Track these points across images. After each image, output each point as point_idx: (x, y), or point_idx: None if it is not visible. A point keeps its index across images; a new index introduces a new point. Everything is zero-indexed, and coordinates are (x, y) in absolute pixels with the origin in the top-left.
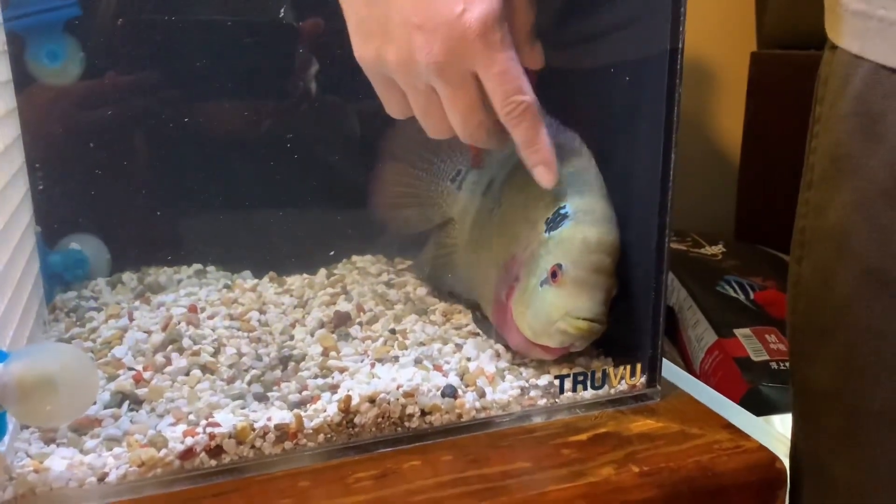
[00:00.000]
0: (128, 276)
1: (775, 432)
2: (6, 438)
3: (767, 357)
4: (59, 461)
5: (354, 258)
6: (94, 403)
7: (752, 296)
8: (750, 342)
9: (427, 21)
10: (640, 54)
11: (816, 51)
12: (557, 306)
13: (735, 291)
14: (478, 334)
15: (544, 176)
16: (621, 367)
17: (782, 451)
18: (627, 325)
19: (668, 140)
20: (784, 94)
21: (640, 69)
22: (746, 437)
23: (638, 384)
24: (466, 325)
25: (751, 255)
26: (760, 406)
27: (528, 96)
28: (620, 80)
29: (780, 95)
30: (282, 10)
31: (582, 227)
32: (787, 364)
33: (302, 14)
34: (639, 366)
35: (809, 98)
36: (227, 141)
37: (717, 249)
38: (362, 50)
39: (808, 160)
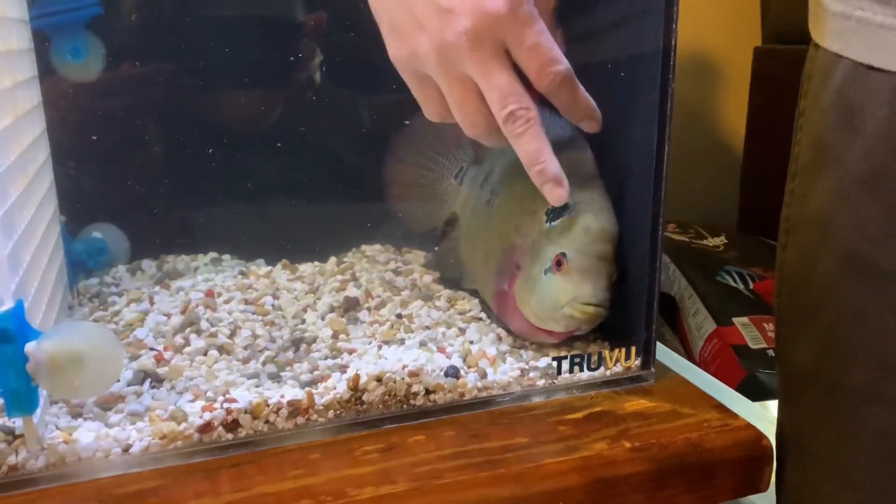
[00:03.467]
0: (147, 264)
1: (766, 414)
2: (38, 411)
3: (765, 345)
4: (87, 433)
5: (363, 247)
6: (118, 381)
7: (751, 285)
8: (748, 330)
9: (455, 2)
10: (635, 51)
11: None
12: (564, 293)
13: (735, 281)
14: (480, 319)
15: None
16: (617, 350)
17: (772, 432)
18: (623, 310)
19: (661, 133)
20: (787, 89)
21: (636, 65)
22: (735, 416)
23: (632, 366)
24: (469, 310)
25: (752, 247)
26: (757, 392)
27: (563, 65)
28: (617, 75)
29: (783, 89)
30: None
31: (584, 216)
32: None
33: (318, 8)
34: (633, 349)
35: None
36: (241, 133)
37: (719, 241)
38: (396, 48)
39: (793, 152)
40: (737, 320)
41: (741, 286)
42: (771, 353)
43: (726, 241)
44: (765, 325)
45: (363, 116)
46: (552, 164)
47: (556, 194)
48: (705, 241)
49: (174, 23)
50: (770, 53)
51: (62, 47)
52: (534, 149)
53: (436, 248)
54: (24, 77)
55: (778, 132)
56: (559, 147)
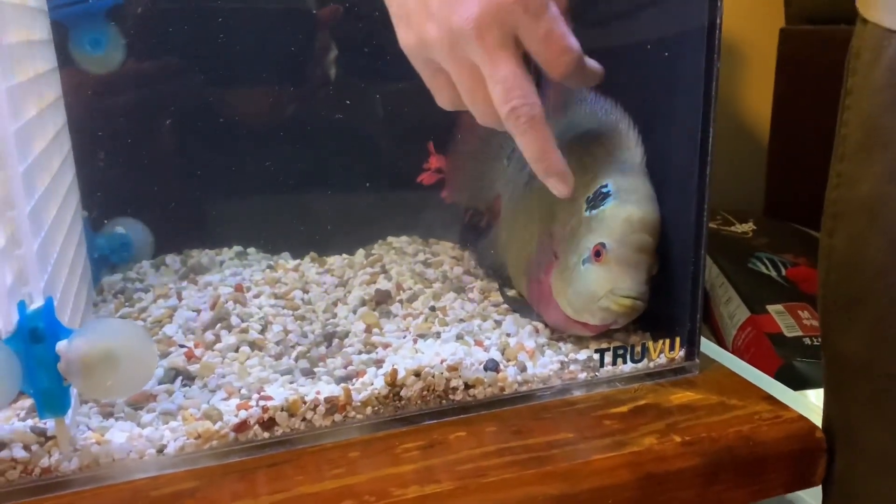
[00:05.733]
0: (171, 259)
1: (811, 404)
2: (70, 412)
3: (801, 333)
4: (119, 434)
5: (390, 239)
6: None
7: (783, 272)
8: (783, 318)
9: None
10: (677, 29)
11: (846, 25)
12: (601, 285)
13: (767, 268)
14: (516, 311)
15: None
16: (660, 341)
17: (818, 423)
18: (666, 300)
19: (706, 114)
20: (813, 70)
21: (678, 44)
22: (786, 407)
23: (677, 357)
24: (504, 302)
25: (781, 232)
26: (794, 381)
27: (575, 52)
28: (658, 55)
29: (809, 71)
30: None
31: (626, 206)
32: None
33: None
34: (678, 339)
35: (839, 74)
36: (263, 125)
37: (748, 227)
38: (406, 36)
39: (839, 133)
40: (771, 308)
41: (773, 273)
42: (807, 341)
43: (755, 228)
44: (800, 312)
45: (387, 107)
46: (556, 161)
47: (560, 189)
48: (733, 228)
49: (197, 13)
50: (796, 35)
51: (81, 38)
52: (537, 146)
53: (484, 239)
54: (43, 69)
55: (805, 115)
56: (604, 134)
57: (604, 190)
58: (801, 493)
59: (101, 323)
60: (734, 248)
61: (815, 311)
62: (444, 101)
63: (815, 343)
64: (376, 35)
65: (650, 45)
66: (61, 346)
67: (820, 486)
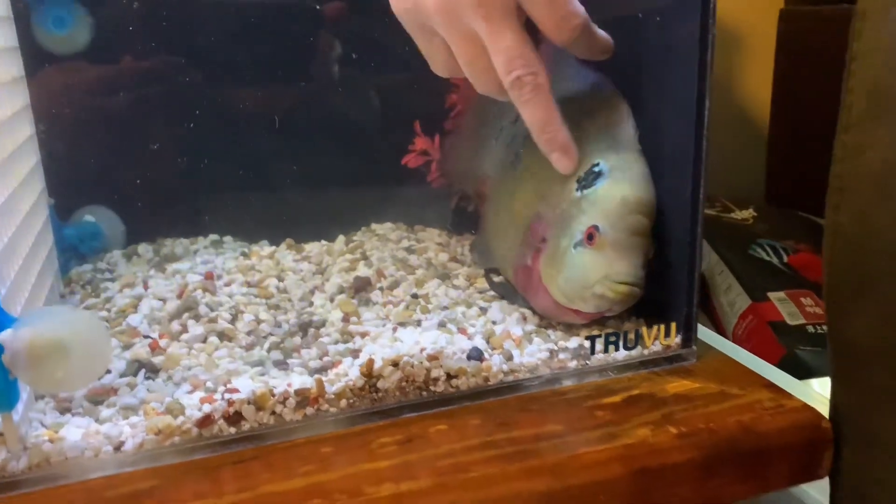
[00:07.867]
0: (143, 248)
1: (815, 394)
2: (20, 407)
3: (804, 321)
4: (75, 430)
5: (373, 226)
6: (109, 372)
7: (785, 259)
8: (785, 306)
9: None
10: None
11: (849, 4)
12: (595, 270)
13: (768, 254)
14: (502, 298)
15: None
16: (655, 328)
17: (823, 413)
18: (661, 284)
19: (701, 83)
20: (815, 52)
21: (670, 10)
22: (789, 396)
23: (672, 344)
24: (491, 289)
25: (783, 219)
26: (798, 370)
27: (581, 17)
28: (649, 23)
29: (810, 53)
30: None
31: (620, 185)
32: (825, 327)
33: None
34: (673, 325)
35: (842, 55)
36: (241, 108)
37: (748, 214)
38: (399, 0)
39: (844, 101)
40: (772, 295)
41: (775, 260)
42: (811, 329)
43: (755, 214)
44: (802, 299)
45: (368, 91)
46: (561, 133)
47: (563, 164)
48: (733, 215)
49: None
50: (797, 15)
51: (45, 16)
52: (541, 117)
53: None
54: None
55: (806, 99)
56: (594, 109)
57: (596, 169)
58: (806, 487)
59: (50, 311)
60: (734, 235)
61: (818, 298)
62: (439, 67)
63: (819, 331)
64: (355, 19)
65: (641, 11)
66: (5, 335)
67: (826, 480)
